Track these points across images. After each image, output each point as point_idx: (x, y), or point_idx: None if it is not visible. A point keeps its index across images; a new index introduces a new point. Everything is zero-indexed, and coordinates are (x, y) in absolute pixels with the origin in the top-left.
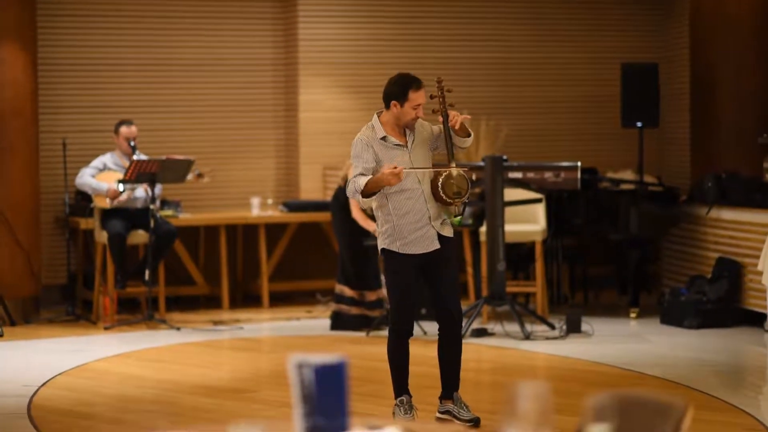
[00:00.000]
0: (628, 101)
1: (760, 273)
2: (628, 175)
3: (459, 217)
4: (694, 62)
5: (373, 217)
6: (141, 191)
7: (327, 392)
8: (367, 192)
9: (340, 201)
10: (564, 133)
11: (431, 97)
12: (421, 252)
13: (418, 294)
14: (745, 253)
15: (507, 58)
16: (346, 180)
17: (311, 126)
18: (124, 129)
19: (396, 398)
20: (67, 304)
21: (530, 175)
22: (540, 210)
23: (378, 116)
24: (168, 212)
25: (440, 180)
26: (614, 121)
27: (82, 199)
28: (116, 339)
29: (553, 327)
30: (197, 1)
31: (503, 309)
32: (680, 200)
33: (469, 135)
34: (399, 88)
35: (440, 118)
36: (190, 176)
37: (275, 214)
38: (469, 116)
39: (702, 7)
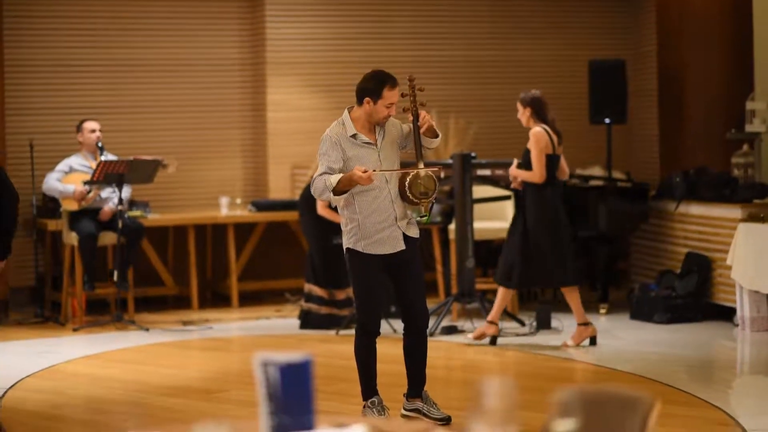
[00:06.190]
0: (596, 98)
1: (729, 267)
2: (597, 171)
3: (426, 217)
4: (662, 59)
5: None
6: (109, 192)
7: (292, 390)
8: (339, 190)
9: (307, 200)
10: None
11: (402, 95)
12: (386, 252)
13: (386, 292)
14: (714, 248)
15: (474, 55)
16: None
17: (279, 125)
18: (88, 123)
19: (366, 400)
20: (35, 306)
21: (499, 172)
22: (509, 207)
23: (349, 112)
24: (136, 213)
25: (408, 180)
26: (582, 117)
27: (50, 201)
28: (85, 340)
29: (523, 323)
30: (164, 1)
31: (473, 306)
32: (649, 196)
33: (437, 136)
34: (374, 85)
35: (410, 117)
36: None
37: (244, 213)
38: (433, 121)
39: (669, 3)
